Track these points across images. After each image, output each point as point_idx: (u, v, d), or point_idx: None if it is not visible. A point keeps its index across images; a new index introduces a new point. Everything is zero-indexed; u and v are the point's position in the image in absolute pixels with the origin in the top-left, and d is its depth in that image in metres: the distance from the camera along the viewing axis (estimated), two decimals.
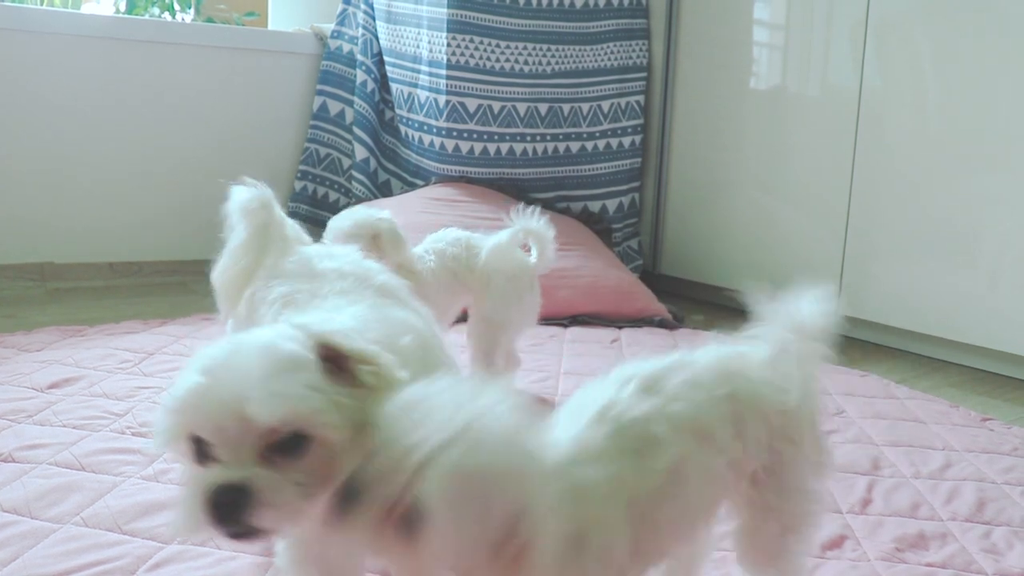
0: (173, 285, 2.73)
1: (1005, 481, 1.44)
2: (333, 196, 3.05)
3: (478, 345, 1.62)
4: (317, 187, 3.06)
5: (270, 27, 3.36)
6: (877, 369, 2.14)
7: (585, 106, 3.02)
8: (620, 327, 2.39)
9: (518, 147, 2.92)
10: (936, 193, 2.22)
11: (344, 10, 3.06)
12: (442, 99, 2.78)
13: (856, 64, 2.38)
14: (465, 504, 0.61)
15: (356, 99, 2.98)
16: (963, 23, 2.15)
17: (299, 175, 3.04)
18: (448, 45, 2.74)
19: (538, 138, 2.95)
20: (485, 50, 2.80)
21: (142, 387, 1.67)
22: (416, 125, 2.88)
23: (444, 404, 0.64)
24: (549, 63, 2.93)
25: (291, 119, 3.07)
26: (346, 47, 3.04)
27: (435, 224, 2.55)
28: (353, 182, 2.97)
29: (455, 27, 2.74)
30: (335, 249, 1.14)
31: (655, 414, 0.74)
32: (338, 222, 1.57)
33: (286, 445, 0.68)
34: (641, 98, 3.07)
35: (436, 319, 1.06)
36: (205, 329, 2.12)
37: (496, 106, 2.85)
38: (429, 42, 2.80)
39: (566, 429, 0.73)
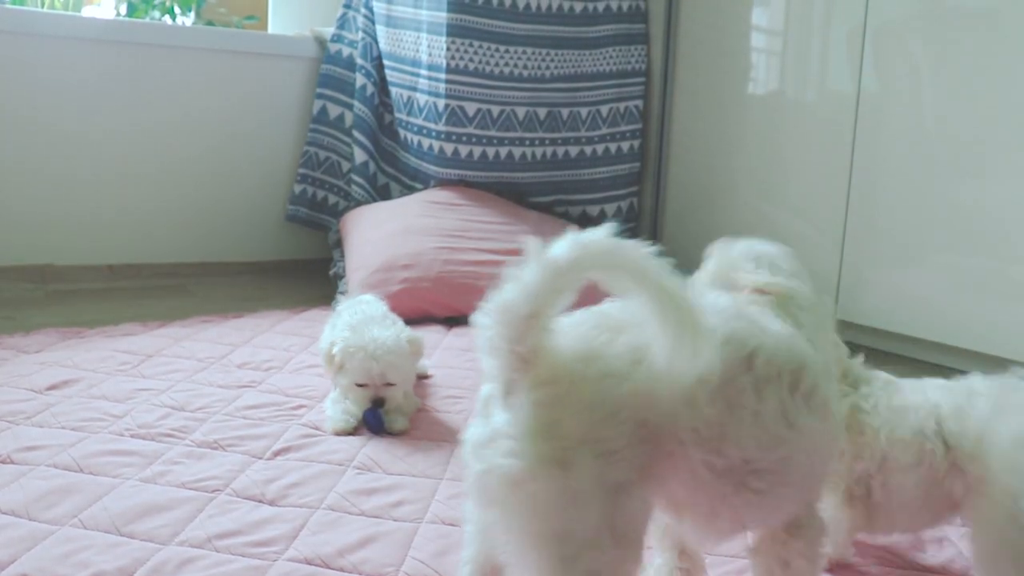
0: (172, 288, 2.73)
1: None
2: (332, 199, 3.06)
3: None
4: (316, 190, 3.06)
5: (270, 31, 3.36)
6: None
7: (584, 110, 3.02)
8: None
9: (517, 151, 2.92)
10: (934, 198, 2.23)
11: (344, 14, 3.07)
12: (441, 103, 2.79)
13: (854, 69, 2.39)
14: None
15: (356, 103, 2.99)
16: (960, 28, 2.16)
17: (298, 178, 3.05)
18: (447, 49, 2.75)
19: (537, 142, 2.96)
20: (484, 54, 2.81)
21: (141, 389, 1.67)
22: (415, 129, 2.89)
23: None
24: (548, 67, 2.93)
25: (290, 122, 3.07)
26: (346, 51, 3.05)
27: (434, 228, 2.58)
28: (352, 185, 2.97)
29: (455, 31, 2.75)
30: None
31: None
32: None
33: None
34: (640, 103, 3.08)
35: None
36: (204, 331, 2.13)
37: (495, 110, 2.86)
38: (428, 46, 2.81)
39: None
